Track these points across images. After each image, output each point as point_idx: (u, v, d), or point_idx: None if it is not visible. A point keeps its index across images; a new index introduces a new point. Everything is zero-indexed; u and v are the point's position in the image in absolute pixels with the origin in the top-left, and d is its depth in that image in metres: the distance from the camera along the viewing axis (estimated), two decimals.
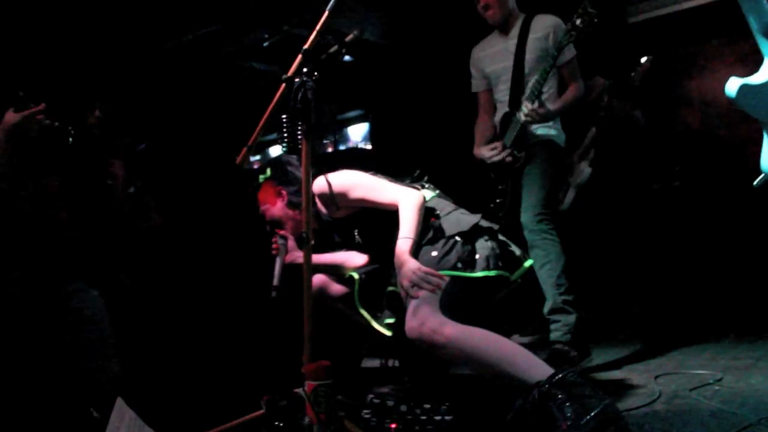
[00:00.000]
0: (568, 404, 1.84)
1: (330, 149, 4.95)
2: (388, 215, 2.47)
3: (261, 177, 2.75)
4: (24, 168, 2.81)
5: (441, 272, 2.27)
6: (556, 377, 1.93)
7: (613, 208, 3.85)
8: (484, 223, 2.45)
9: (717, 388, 2.41)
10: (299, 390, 1.84)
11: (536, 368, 2.00)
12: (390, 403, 2.15)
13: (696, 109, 4.35)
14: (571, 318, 2.95)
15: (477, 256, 2.35)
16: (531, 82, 3.14)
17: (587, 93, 3.81)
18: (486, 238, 2.41)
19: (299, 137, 2.14)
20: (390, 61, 4.83)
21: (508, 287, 2.43)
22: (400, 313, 2.35)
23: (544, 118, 3.09)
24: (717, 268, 3.98)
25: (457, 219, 2.45)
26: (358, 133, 5.36)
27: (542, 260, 3.01)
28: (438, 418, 2.15)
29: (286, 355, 2.44)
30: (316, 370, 1.90)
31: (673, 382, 2.54)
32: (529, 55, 3.18)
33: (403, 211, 2.40)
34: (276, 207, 2.69)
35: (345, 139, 5.32)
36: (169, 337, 3.50)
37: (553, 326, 3.00)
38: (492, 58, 3.37)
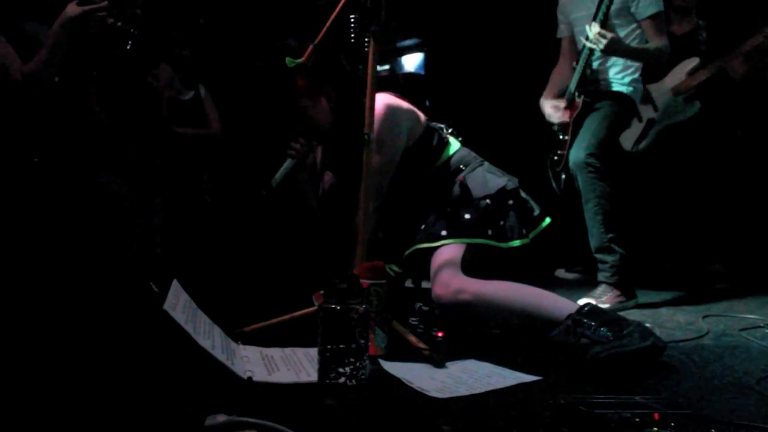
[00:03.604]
0: (602, 328, 1.89)
1: (385, 74, 4.90)
2: (418, 160, 2.44)
3: (290, 61, 2.22)
4: (78, 64, 2.81)
5: (473, 240, 2.27)
6: (585, 308, 1.99)
7: (691, 152, 3.68)
8: (510, 185, 2.40)
9: (767, 331, 2.37)
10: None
11: (563, 306, 2.07)
12: (437, 312, 2.17)
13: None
14: (617, 258, 2.91)
15: (504, 224, 2.34)
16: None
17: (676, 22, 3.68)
18: (511, 201, 2.38)
19: (366, 39, 2.10)
20: None
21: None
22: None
23: (610, 47, 2.91)
24: None
25: (483, 178, 2.40)
26: (412, 63, 5.27)
27: (586, 196, 2.96)
28: (485, 331, 2.17)
29: (338, 257, 2.46)
30: (371, 269, 1.91)
31: (721, 323, 2.52)
32: (614, 6, 3.03)
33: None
34: (321, 106, 2.42)
35: (399, 67, 5.25)
36: (222, 234, 3.56)
37: (600, 266, 2.97)
38: (576, 4, 3.26)
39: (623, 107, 3.16)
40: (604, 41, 2.89)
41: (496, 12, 4.60)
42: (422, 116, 2.53)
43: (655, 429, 1.22)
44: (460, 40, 4.79)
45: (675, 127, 3.61)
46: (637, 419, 1.24)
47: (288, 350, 1.90)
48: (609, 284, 2.90)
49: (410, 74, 5.00)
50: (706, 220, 3.71)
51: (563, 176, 3.21)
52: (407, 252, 2.37)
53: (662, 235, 3.88)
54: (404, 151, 2.42)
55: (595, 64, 3.15)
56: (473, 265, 2.25)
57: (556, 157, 3.29)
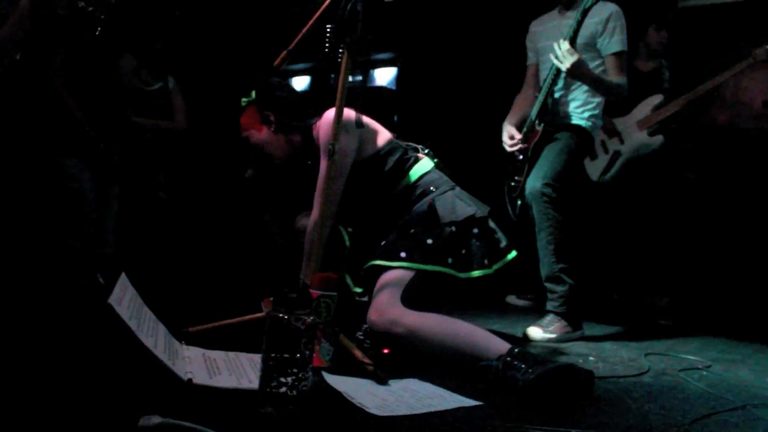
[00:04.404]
0: (530, 370, 1.86)
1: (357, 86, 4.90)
2: (379, 173, 2.43)
3: (244, 100, 2.60)
4: (44, 44, 2.76)
5: (431, 268, 2.26)
6: (515, 350, 1.97)
7: (643, 190, 3.79)
8: (479, 213, 2.41)
9: (705, 373, 2.42)
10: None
11: (495, 345, 2.04)
12: None
13: (726, 106, 4.27)
14: (566, 288, 2.95)
15: (466, 252, 2.33)
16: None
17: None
18: (476, 230, 2.38)
19: (341, 50, 2.10)
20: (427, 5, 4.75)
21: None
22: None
23: (575, 67, 2.93)
24: (723, 266, 3.96)
25: (452, 204, 2.39)
26: (384, 77, 5.28)
27: (539, 225, 3.00)
28: None
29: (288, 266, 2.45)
30: (322, 280, 1.90)
31: (662, 362, 2.56)
32: (580, 40, 3.08)
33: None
34: (262, 132, 2.56)
35: (371, 80, 5.25)
36: (175, 231, 3.51)
37: (549, 295, 3.00)
38: (545, 33, 3.31)
39: (581, 140, 3.20)
40: (571, 59, 2.93)
41: (472, 32, 4.66)
42: (385, 132, 2.52)
43: None
44: (435, 57, 4.82)
45: (639, 159, 3.72)
46: None
47: (232, 354, 1.88)
48: (557, 314, 2.94)
49: (382, 88, 5.00)
50: (656, 256, 3.80)
51: (519, 202, 3.25)
52: (365, 266, 2.36)
53: (612, 267, 3.96)
54: (359, 164, 2.41)
55: (557, 95, 3.20)
56: (422, 290, 2.24)
57: (513, 183, 3.33)
